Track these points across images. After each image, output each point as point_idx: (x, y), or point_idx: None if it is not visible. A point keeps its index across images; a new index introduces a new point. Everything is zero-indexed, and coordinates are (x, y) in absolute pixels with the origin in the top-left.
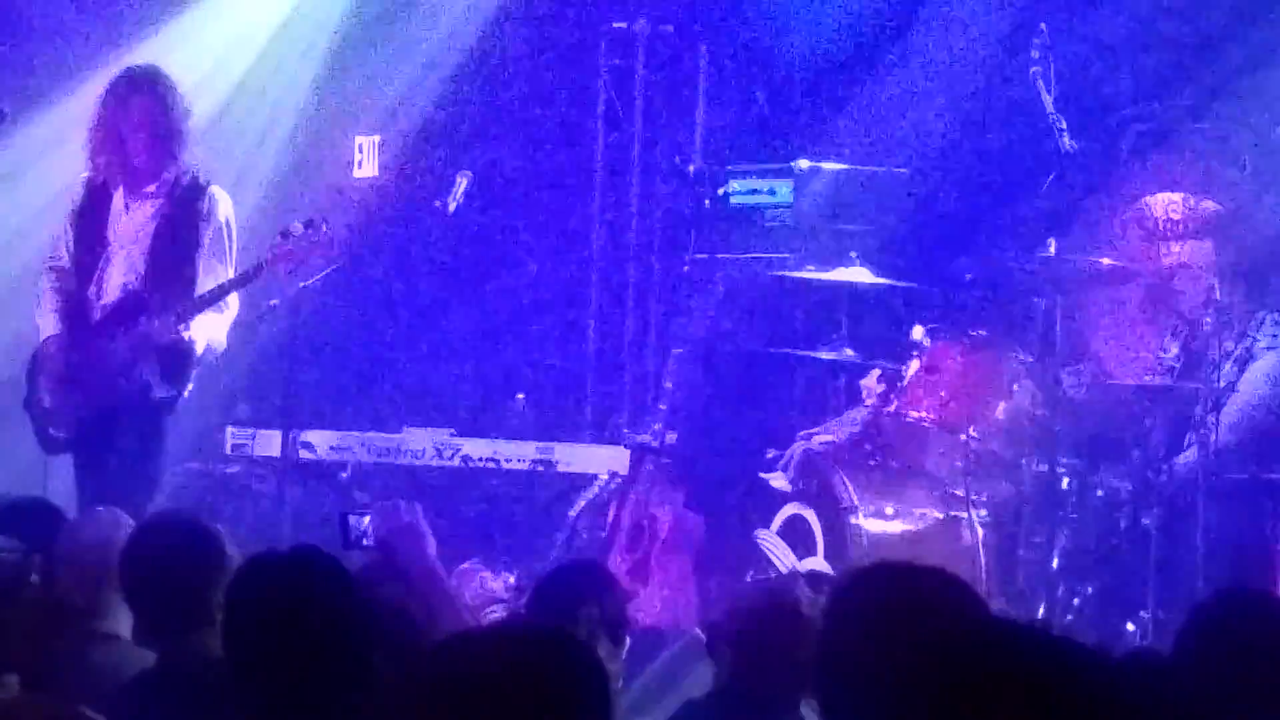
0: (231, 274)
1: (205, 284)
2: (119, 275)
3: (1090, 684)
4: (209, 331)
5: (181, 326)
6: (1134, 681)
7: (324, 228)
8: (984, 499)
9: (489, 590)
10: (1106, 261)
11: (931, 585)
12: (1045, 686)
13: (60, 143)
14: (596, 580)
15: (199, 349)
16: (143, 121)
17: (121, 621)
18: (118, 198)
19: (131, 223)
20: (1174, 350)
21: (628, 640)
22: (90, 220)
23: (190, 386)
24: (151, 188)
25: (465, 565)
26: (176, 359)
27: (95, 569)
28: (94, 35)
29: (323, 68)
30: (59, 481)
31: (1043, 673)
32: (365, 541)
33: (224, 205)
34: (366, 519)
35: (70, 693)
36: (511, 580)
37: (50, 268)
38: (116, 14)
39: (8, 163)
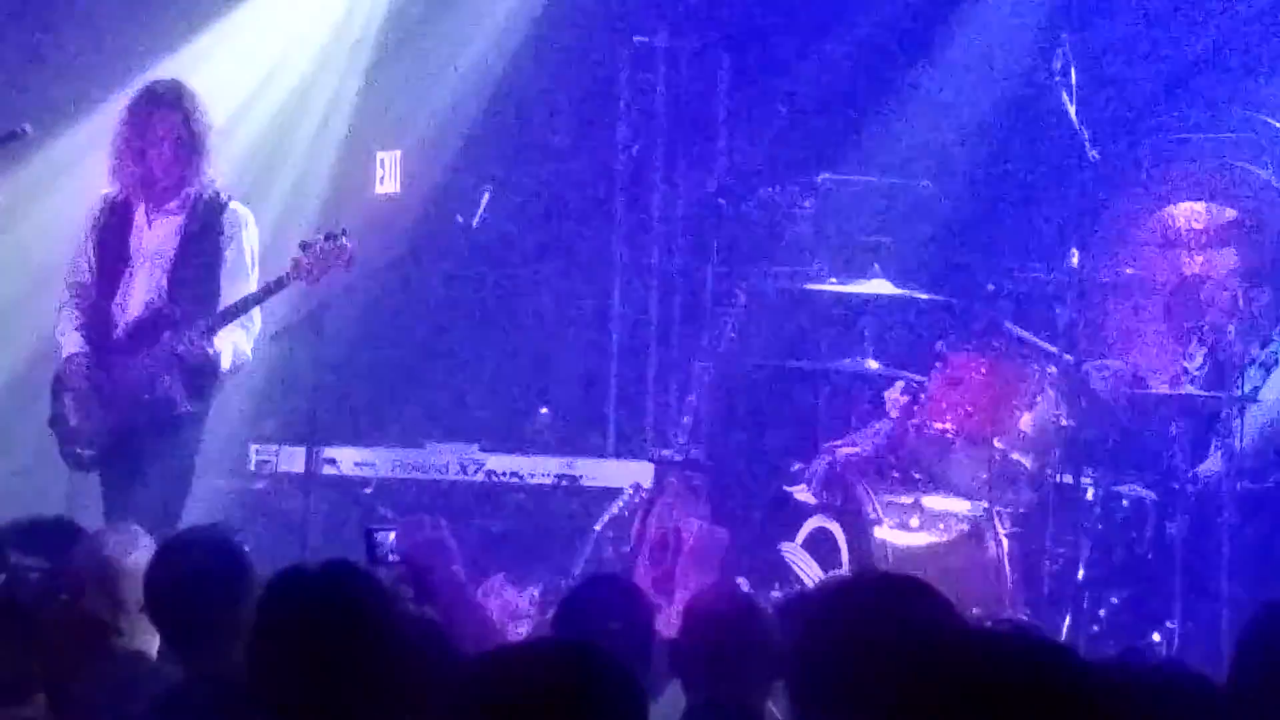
0: (254, 288)
1: (229, 298)
2: (142, 291)
3: (1063, 690)
4: (233, 346)
5: (205, 341)
6: (1129, 690)
7: (344, 239)
8: (1009, 510)
9: (514, 605)
10: (1129, 271)
11: (906, 597)
12: (1020, 695)
13: (83, 161)
14: (622, 595)
15: (224, 364)
16: (165, 136)
17: (146, 639)
18: (140, 213)
19: (154, 238)
20: (1198, 359)
21: (654, 654)
22: (112, 236)
23: (214, 402)
24: (174, 203)
25: (490, 581)
26: (201, 374)
27: (112, 586)
28: (117, 54)
29: (347, 83)
30: (85, 499)
31: (1018, 681)
32: (391, 557)
33: (246, 220)
34: (392, 534)
35: (97, 711)
36: (536, 595)
37: (72, 284)
38: (139, 32)
39: (32, 181)
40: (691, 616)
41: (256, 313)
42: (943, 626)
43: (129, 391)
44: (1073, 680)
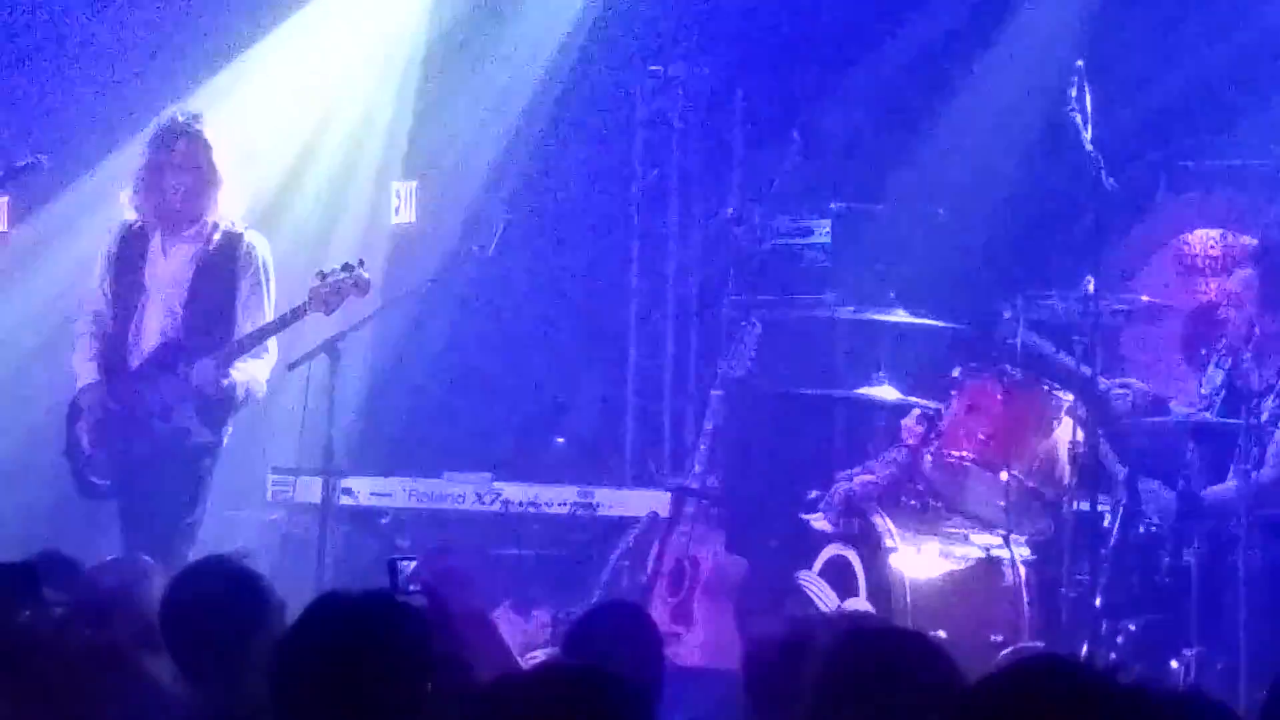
0: (270, 318)
1: (244, 328)
2: (157, 320)
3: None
4: (249, 376)
5: (220, 372)
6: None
7: (360, 269)
8: (1025, 537)
9: (525, 633)
10: (1145, 298)
11: (905, 649)
12: None
13: (107, 196)
14: (631, 621)
15: (239, 394)
16: (184, 166)
17: (159, 668)
18: (156, 242)
19: (170, 267)
20: (1214, 385)
21: (663, 681)
22: (129, 265)
23: (230, 431)
24: (190, 232)
25: (498, 610)
26: (216, 404)
27: (125, 616)
28: (141, 88)
29: (368, 115)
30: (100, 529)
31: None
32: (412, 587)
33: (262, 250)
34: (413, 564)
35: None
36: (545, 620)
37: (89, 312)
38: (162, 66)
39: (56, 216)
40: (766, 642)
41: (273, 342)
42: (944, 680)
43: (144, 421)
44: (1086, 712)
